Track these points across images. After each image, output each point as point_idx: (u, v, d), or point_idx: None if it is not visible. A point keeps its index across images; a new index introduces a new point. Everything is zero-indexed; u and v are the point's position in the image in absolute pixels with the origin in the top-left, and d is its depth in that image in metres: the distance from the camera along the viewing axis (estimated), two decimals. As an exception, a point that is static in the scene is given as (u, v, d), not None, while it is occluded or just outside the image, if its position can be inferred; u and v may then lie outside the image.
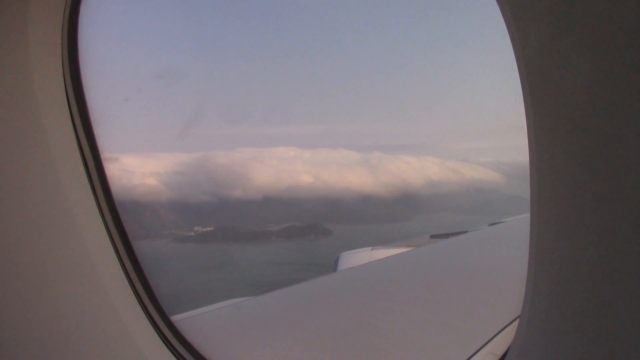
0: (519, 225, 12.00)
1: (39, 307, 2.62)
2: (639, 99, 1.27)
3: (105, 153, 3.00)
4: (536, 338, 1.80)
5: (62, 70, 2.74)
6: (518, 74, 1.54)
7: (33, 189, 2.60)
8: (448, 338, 5.03)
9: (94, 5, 2.86)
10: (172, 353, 3.16)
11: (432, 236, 13.22)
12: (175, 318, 3.34)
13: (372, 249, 11.40)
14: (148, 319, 3.08)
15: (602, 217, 1.43)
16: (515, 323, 1.98)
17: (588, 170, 1.42)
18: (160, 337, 3.14)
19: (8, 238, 2.58)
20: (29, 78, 2.52)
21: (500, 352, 4.01)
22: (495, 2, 1.55)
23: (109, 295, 2.81)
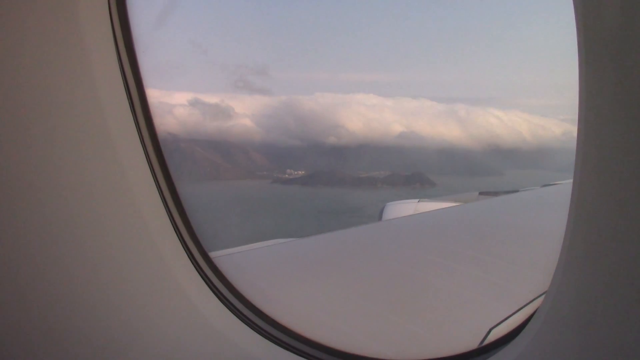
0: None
1: (82, 246, 2.47)
2: None
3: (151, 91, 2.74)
4: (568, 294, 1.71)
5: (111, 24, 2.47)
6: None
7: (77, 130, 2.39)
8: (491, 295, 4.61)
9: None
10: (210, 288, 3.05)
11: (482, 193, 12.05)
12: (215, 254, 3.17)
13: (418, 201, 10.74)
14: (187, 253, 2.95)
15: None
16: None
17: (635, 132, 1.30)
18: (198, 272, 3.01)
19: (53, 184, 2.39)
20: (80, 40, 2.25)
21: None
22: None
23: (150, 231, 2.68)
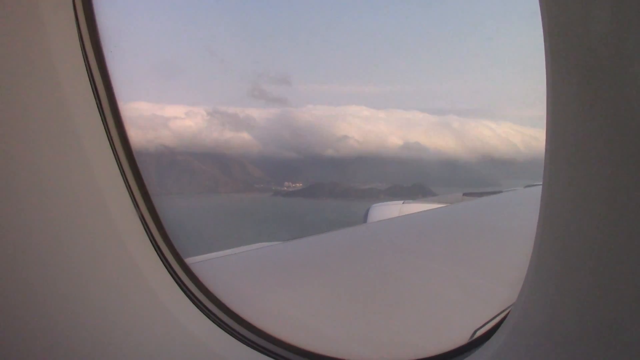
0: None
1: (50, 252, 2.37)
2: None
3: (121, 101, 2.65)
4: (540, 294, 1.71)
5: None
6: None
7: (46, 130, 2.31)
8: (473, 297, 4.46)
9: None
10: (186, 294, 2.90)
11: (465, 194, 11.96)
12: (191, 260, 3.07)
13: (403, 203, 10.59)
14: (161, 260, 2.82)
15: (611, 166, 1.28)
16: None
17: (599, 119, 1.28)
18: (173, 278, 2.87)
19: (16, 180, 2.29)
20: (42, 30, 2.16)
21: None
22: None
23: (122, 237, 2.56)
